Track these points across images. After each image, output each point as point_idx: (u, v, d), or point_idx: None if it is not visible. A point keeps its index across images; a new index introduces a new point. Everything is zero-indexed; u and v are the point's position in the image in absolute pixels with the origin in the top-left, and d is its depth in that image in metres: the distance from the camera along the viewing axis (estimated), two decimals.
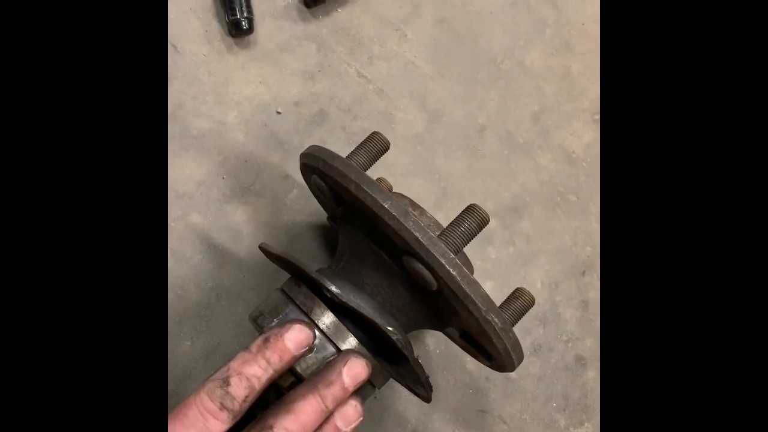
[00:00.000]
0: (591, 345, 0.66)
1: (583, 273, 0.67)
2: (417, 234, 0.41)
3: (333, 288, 0.43)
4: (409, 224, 0.41)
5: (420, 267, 0.42)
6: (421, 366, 0.47)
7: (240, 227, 0.60)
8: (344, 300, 0.43)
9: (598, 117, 0.71)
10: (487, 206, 0.66)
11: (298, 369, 0.44)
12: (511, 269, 0.66)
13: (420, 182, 0.65)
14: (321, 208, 0.59)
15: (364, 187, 0.42)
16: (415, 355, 0.46)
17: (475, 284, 0.41)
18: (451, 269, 0.41)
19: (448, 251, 0.41)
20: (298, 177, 0.62)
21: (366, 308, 0.44)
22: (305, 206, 0.61)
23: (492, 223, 0.66)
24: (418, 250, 0.41)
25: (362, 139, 0.51)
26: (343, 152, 0.62)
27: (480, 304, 0.41)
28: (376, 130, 0.64)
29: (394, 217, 0.41)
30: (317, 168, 0.46)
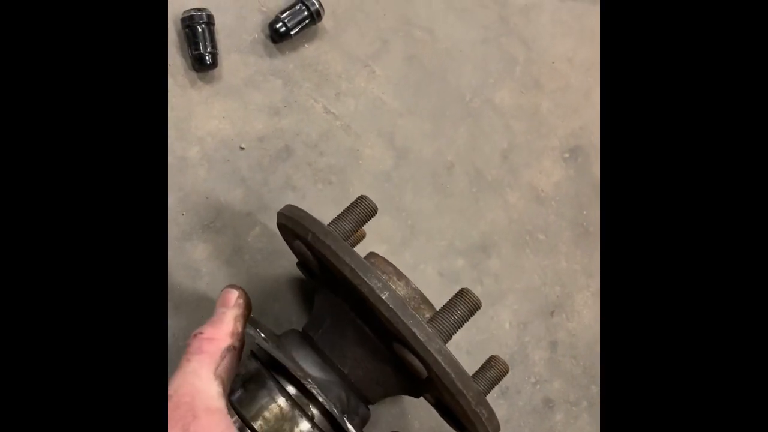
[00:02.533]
0: (559, 387, 0.64)
1: (552, 313, 0.66)
2: (415, 330, 0.40)
3: (315, 390, 0.43)
4: (407, 318, 0.40)
5: (412, 357, 0.41)
6: None
7: (199, 266, 0.58)
8: (322, 402, 0.43)
9: (567, 155, 0.71)
10: (455, 244, 0.65)
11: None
12: (480, 309, 0.64)
13: (387, 220, 0.64)
14: (285, 247, 0.58)
15: (361, 275, 0.41)
16: None
17: (469, 380, 0.41)
18: (447, 367, 0.40)
19: (445, 347, 0.41)
20: (261, 215, 0.60)
21: (339, 404, 0.44)
22: (268, 244, 0.60)
23: (460, 262, 0.65)
24: (413, 344, 0.40)
25: (331, 177, 0.51)
26: (310, 189, 0.62)
27: (471, 399, 0.41)
28: (343, 166, 0.64)
29: (391, 309, 0.40)
30: (305, 240, 0.45)
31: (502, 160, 0.69)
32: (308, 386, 0.43)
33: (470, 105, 0.69)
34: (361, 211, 0.48)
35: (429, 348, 0.40)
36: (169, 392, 0.41)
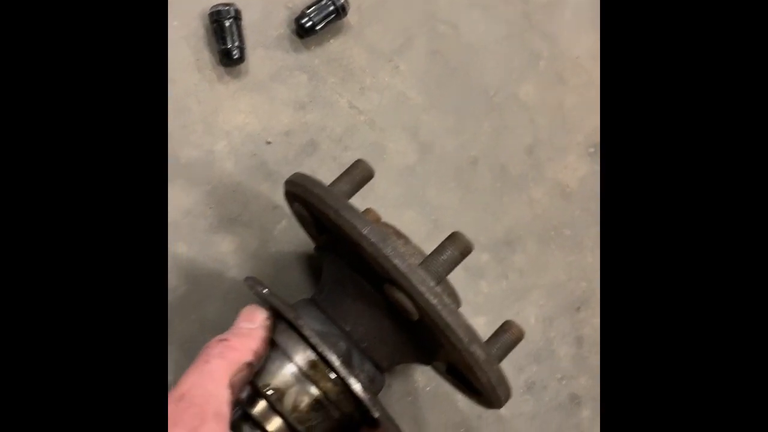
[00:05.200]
0: (586, 383, 0.64)
1: (578, 309, 0.66)
2: (396, 261, 0.39)
3: (307, 331, 0.42)
4: (387, 251, 0.40)
5: (401, 296, 0.41)
6: (393, 423, 0.45)
7: (226, 258, 0.58)
8: (313, 344, 0.42)
9: (592, 150, 0.70)
10: (479, 239, 0.65)
11: (279, 409, 0.43)
12: (504, 304, 0.64)
13: (411, 214, 0.64)
14: (309, 240, 0.58)
15: (343, 214, 0.41)
16: (382, 409, 0.44)
17: (457, 314, 0.40)
18: (431, 297, 0.39)
19: (429, 279, 0.40)
20: (287, 208, 0.60)
21: (339, 355, 0.43)
22: (294, 237, 0.60)
23: (484, 257, 0.65)
24: (397, 277, 0.40)
25: None
26: None
27: (462, 335, 0.40)
28: (367, 160, 0.64)
29: (372, 243, 0.40)
30: (298, 195, 0.45)
31: (527, 155, 0.68)
32: (301, 329, 0.42)
33: (494, 100, 0.69)
34: (358, 173, 0.48)
35: (410, 278, 0.39)
36: (182, 390, 0.40)
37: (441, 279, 0.42)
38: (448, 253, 0.43)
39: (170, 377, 0.55)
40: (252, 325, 0.44)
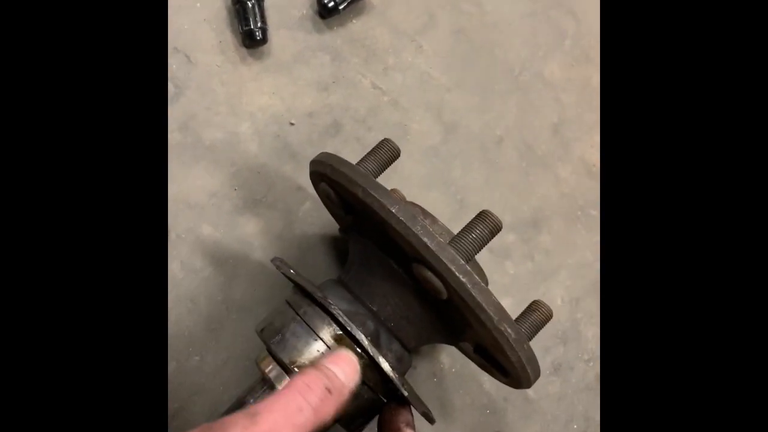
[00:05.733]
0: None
1: None
2: (425, 239, 0.39)
3: (336, 310, 0.42)
4: (417, 229, 0.39)
5: (429, 275, 0.40)
6: (420, 401, 0.45)
7: (252, 239, 0.59)
8: (342, 322, 0.42)
9: None
10: (505, 219, 0.64)
11: None
12: (531, 285, 0.63)
13: (436, 194, 0.63)
14: (334, 221, 0.58)
15: (372, 192, 0.41)
16: (410, 388, 0.44)
17: (487, 292, 0.39)
18: (461, 276, 0.39)
19: (458, 257, 0.39)
20: (311, 189, 0.60)
21: (367, 334, 0.42)
22: (318, 218, 0.60)
23: (510, 237, 0.64)
24: (426, 256, 0.39)
25: None
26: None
27: (492, 314, 0.39)
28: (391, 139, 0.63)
29: (401, 222, 0.39)
30: (325, 174, 0.45)
31: (553, 133, 0.67)
32: (329, 308, 0.42)
33: (519, 79, 0.68)
34: (385, 152, 0.48)
35: (441, 256, 0.38)
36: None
37: (470, 257, 0.42)
38: (478, 232, 0.42)
39: (196, 358, 0.55)
40: (347, 381, 0.40)
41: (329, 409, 0.38)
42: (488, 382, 0.59)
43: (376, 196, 0.40)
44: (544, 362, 0.61)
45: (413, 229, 0.39)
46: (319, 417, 0.37)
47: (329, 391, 0.38)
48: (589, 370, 0.63)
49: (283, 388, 0.38)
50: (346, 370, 0.40)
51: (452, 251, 0.39)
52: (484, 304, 0.39)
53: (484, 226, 0.42)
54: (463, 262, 0.39)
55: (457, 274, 0.39)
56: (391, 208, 0.40)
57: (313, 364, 0.42)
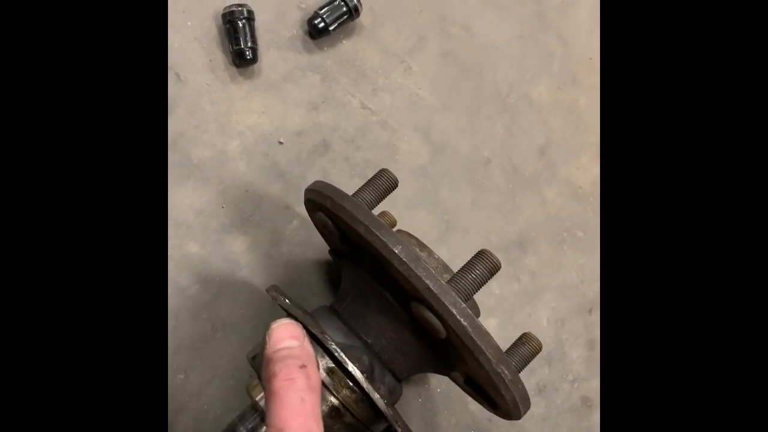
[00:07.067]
0: (598, 386, 0.63)
1: (590, 311, 0.65)
2: (428, 282, 0.39)
3: (332, 345, 0.42)
4: (419, 271, 0.39)
5: (429, 315, 0.41)
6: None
7: (238, 258, 0.59)
8: (338, 358, 0.42)
9: None
10: (492, 240, 0.65)
11: None
12: (516, 306, 0.64)
13: (423, 214, 0.64)
14: (322, 240, 0.58)
15: (374, 230, 0.41)
16: (402, 422, 0.44)
17: (487, 336, 0.40)
18: (462, 320, 0.39)
19: (459, 300, 0.40)
20: (299, 208, 0.61)
21: (362, 370, 0.43)
22: (306, 238, 0.60)
23: None
24: (428, 298, 0.40)
25: (367, 172, 0.50)
26: (346, 184, 0.62)
27: (490, 356, 0.40)
28: (379, 160, 0.64)
29: (404, 262, 0.40)
30: (324, 206, 0.45)
31: (539, 155, 0.68)
32: (326, 344, 0.42)
33: (507, 101, 0.69)
34: (383, 183, 0.48)
35: (443, 300, 0.39)
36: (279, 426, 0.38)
37: (469, 298, 0.42)
38: (477, 272, 0.42)
39: (180, 376, 0.55)
40: (298, 343, 0.42)
41: (314, 374, 0.40)
42: (473, 403, 0.59)
43: (378, 234, 0.40)
44: (529, 383, 0.62)
45: (416, 272, 0.39)
46: (316, 390, 0.40)
47: (303, 365, 0.40)
48: (574, 391, 0.63)
49: (273, 396, 0.39)
50: (292, 334, 0.42)
51: (454, 295, 0.40)
52: (483, 347, 0.40)
53: (483, 267, 0.43)
54: (464, 305, 0.40)
55: (458, 317, 0.39)
56: (394, 249, 0.40)
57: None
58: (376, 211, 0.50)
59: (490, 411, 0.50)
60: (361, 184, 0.48)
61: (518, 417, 0.45)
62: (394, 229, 0.54)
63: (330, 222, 0.47)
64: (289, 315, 0.46)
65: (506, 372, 0.41)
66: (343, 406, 0.43)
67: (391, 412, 0.43)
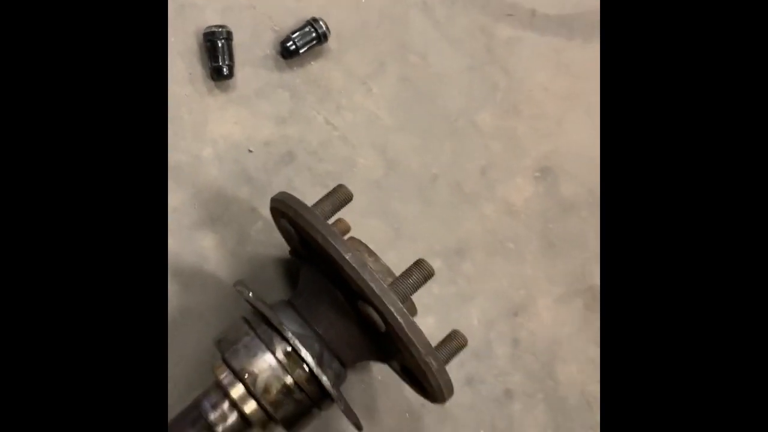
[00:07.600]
0: (519, 379, 0.72)
1: (516, 314, 0.74)
2: (372, 284, 0.47)
3: (288, 334, 0.50)
4: (365, 275, 0.47)
5: (372, 311, 0.49)
6: (352, 413, 0.53)
7: (207, 253, 0.65)
8: (293, 345, 0.50)
9: (538, 174, 0.79)
10: (435, 248, 0.73)
11: (253, 391, 0.50)
12: (452, 306, 0.72)
13: (376, 222, 0.72)
14: (283, 241, 0.65)
15: (329, 239, 0.48)
16: (345, 402, 0.52)
17: (419, 331, 0.48)
18: (399, 317, 0.47)
19: (397, 300, 0.48)
20: (264, 211, 0.68)
21: (313, 355, 0.51)
22: (269, 238, 0.67)
23: (437, 263, 0.73)
24: (371, 298, 0.48)
25: (328, 182, 0.58)
26: (308, 191, 0.69)
27: (420, 348, 0.48)
28: (339, 172, 0.71)
29: (353, 267, 0.48)
30: (287, 214, 0.52)
31: (481, 175, 0.77)
32: (284, 333, 0.50)
33: (455, 125, 0.77)
34: (339, 197, 0.56)
35: (384, 299, 0.47)
36: None
37: (407, 299, 0.51)
38: (414, 278, 0.51)
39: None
40: None
41: None
42: (408, 390, 0.67)
43: (333, 243, 0.48)
44: (459, 375, 0.70)
45: (363, 275, 0.47)
46: None
47: None
48: (498, 384, 0.72)
49: None
50: None
51: (393, 296, 0.48)
52: (414, 341, 0.48)
53: (420, 273, 0.51)
54: (401, 305, 0.48)
55: (396, 315, 0.47)
56: (345, 255, 0.48)
57: (261, 372, 0.50)
58: (332, 219, 0.57)
59: (422, 396, 0.59)
60: (322, 193, 0.55)
61: (443, 401, 0.54)
62: (348, 236, 0.62)
63: (292, 228, 0.54)
64: (252, 307, 0.53)
65: (433, 362, 0.49)
66: (295, 384, 0.51)
67: (336, 393, 0.51)
